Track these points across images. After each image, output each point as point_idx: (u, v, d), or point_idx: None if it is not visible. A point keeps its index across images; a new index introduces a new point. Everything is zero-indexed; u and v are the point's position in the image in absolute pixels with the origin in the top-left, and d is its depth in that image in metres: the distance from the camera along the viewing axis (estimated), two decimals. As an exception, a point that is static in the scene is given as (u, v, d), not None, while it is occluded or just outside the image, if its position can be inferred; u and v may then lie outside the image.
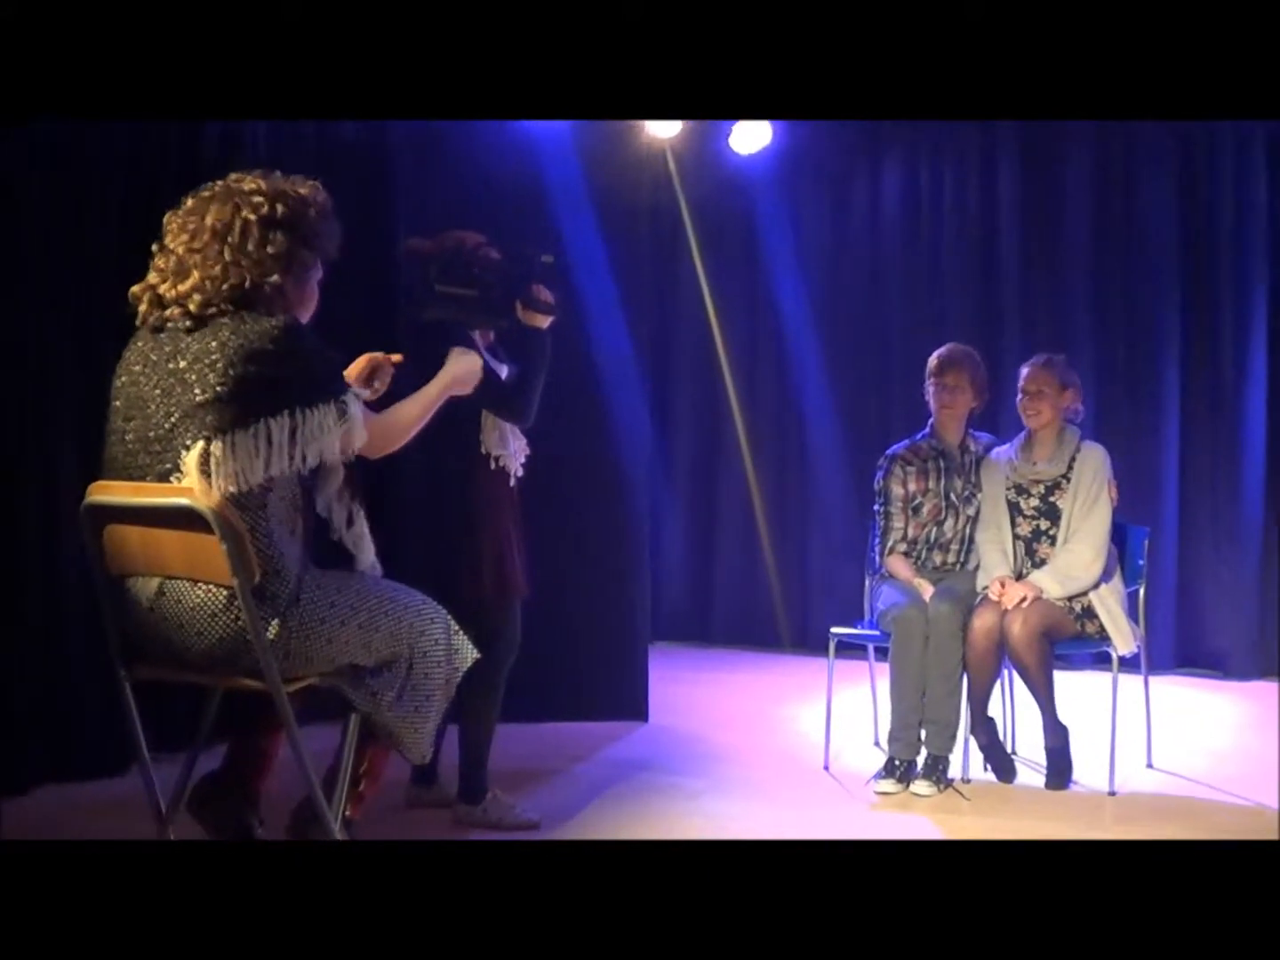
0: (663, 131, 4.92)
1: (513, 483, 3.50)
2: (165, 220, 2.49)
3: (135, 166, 4.00)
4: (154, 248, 2.49)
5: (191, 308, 2.38)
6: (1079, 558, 3.95)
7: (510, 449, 3.46)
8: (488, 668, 3.18)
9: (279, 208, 2.44)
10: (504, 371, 3.44)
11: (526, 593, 3.54)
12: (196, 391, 2.32)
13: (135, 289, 2.49)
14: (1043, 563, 4.01)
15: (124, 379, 2.45)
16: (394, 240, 4.51)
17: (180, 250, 2.43)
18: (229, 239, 2.40)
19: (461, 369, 2.84)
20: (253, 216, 2.42)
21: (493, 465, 3.44)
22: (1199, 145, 5.76)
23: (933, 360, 4.23)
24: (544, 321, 3.40)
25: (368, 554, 2.62)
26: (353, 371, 2.71)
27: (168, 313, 2.41)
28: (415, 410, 2.68)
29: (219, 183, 2.49)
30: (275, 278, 2.42)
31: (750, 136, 5.43)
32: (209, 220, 2.42)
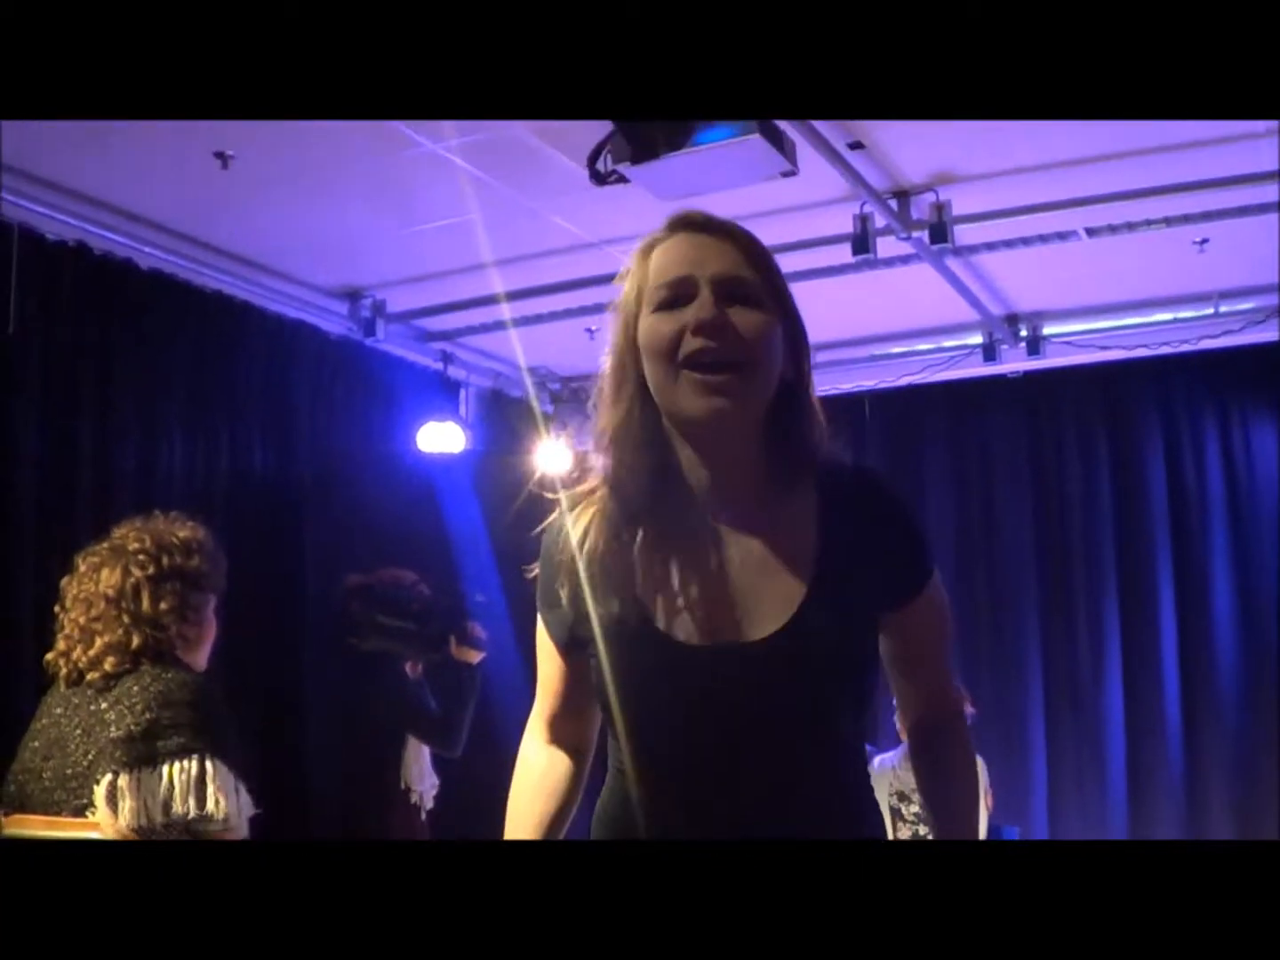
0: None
1: (424, 816, 3.74)
2: (62, 586, 2.84)
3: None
4: (55, 610, 2.83)
5: (107, 668, 2.70)
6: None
7: (426, 783, 3.72)
8: None
9: (164, 562, 2.78)
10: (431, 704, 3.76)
11: None
12: (113, 729, 2.62)
13: (50, 657, 2.81)
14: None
15: (45, 721, 2.76)
16: (300, 570, 4.85)
17: (82, 620, 2.77)
18: (123, 604, 2.74)
19: None
20: (142, 575, 2.75)
21: (412, 799, 3.68)
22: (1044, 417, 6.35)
23: None
24: (475, 656, 3.81)
25: None
26: None
27: (87, 677, 2.73)
28: None
29: (105, 544, 2.84)
30: (173, 628, 2.77)
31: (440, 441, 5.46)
32: (102, 588, 2.76)
